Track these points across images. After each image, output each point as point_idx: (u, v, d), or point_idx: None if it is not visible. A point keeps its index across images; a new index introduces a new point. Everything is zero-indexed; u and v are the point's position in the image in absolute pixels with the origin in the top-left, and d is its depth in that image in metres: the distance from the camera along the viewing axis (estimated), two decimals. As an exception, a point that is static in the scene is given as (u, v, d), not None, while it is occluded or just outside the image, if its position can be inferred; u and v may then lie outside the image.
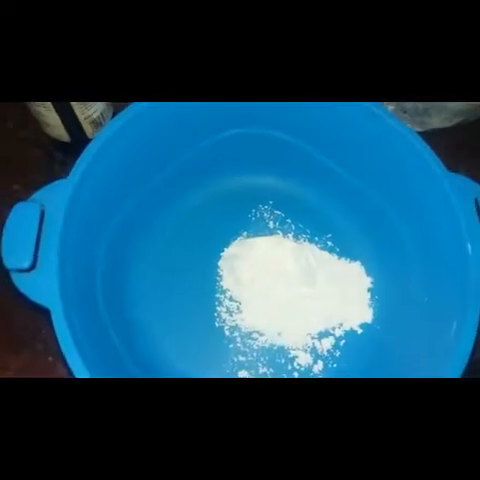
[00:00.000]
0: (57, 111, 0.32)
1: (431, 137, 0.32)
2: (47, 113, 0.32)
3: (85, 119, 0.33)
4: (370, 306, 0.32)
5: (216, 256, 0.33)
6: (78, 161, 0.26)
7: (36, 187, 0.26)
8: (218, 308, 0.31)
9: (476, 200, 0.27)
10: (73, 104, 0.32)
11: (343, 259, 0.33)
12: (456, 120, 0.37)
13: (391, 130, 0.29)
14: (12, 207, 0.25)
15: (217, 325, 0.31)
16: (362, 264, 0.33)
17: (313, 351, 0.31)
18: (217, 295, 0.32)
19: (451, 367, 0.24)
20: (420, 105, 0.36)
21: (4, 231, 0.23)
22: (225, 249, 0.33)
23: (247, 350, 0.30)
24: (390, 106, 0.37)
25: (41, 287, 0.22)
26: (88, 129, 0.34)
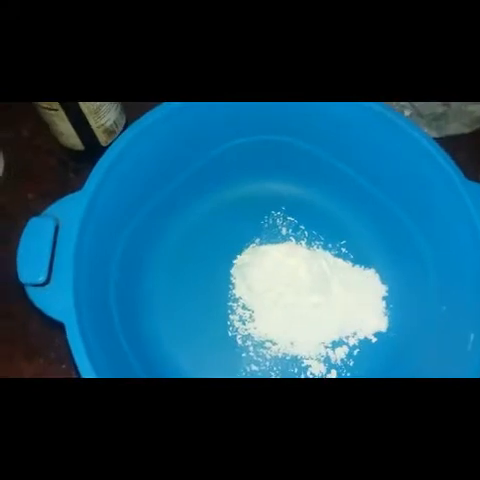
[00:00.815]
0: (70, 120, 0.32)
1: (450, 143, 0.31)
2: (60, 122, 0.32)
3: (98, 128, 0.34)
4: (385, 314, 0.32)
5: (228, 264, 0.33)
6: (91, 174, 0.26)
7: (51, 195, 0.26)
8: (231, 317, 0.32)
9: (495, 209, 0.26)
10: (86, 113, 0.32)
11: (357, 266, 0.33)
12: (476, 126, 0.36)
13: (407, 136, 0.28)
14: (26, 216, 0.25)
15: (230, 334, 0.31)
16: (377, 271, 0.33)
17: (326, 360, 0.31)
18: (229, 303, 0.32)
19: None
20: (438, 109, 0.35)
21: (19, 246, 0.24)
22: (238, 256, 0.33)
23: (260, 359, 0.30)
24: (406, 111, 0.36)
25: (56, 302, 0.23)
26: (102, 137, 0.34)
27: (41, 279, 0.23)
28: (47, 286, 0.23)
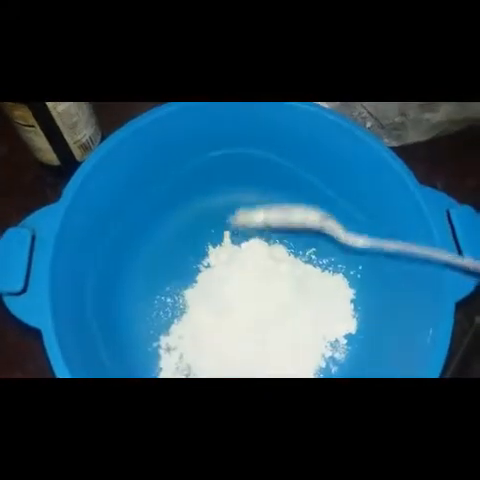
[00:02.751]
0: (47, 136, 0.33)
1: (408, 151, 0.33)
2: (37, 138, 0.33)
3: (74, 143, 0.35)
4: (354, 317, 0.33)
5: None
6: (67, 186, 0.27)
7: (28, 210, 0.27)
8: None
9: (448, 211, 0.28)
10: (62, 129, 0.33)
11: (326, 272, 0.35)
12: (434, 133, 0.39)
13: (364, 144, 0.30)
14: (3, 230, 0.26)
15: (206, 339, 0.32)
16: (345, 276, 0.34)
17: (298, 362, 0.32)
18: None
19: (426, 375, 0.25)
20: (396, 119, 0.38)
21: (-4, 256, 0.24)
22: (211, 265, 0.35)
23: (235, 362, 0.31)
24: (368, 122, 0.38)
25: (32, 310, 0.23)
26: (77, 153, 0.36)
27: (18, 288, 0.23)
28: (23, 295, 0.24)
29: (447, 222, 0.28)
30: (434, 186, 0.34)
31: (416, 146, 0.38)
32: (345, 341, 0.33)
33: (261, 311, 0.32)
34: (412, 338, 0.28)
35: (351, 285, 0.34)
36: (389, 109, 0.36)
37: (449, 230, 0.28)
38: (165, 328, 0.33)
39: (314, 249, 0.35)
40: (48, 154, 0.35)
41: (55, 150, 0.34)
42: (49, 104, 0.31)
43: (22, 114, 0.31)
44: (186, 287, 0.34)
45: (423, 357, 0.26)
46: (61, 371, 0.22)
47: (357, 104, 0.37)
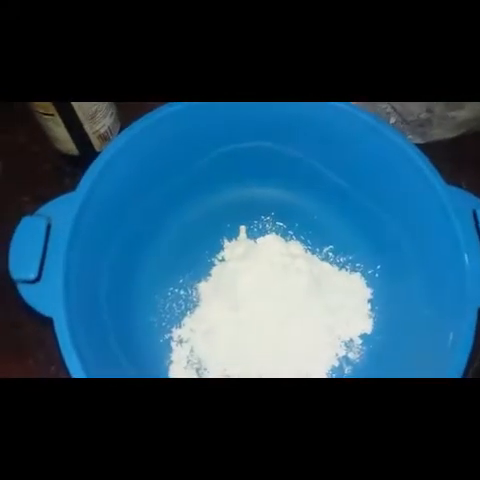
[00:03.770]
0: (66, 126, 0.33)
1: (433, 149, 0.32)
2: (56, 128, 0.33)
3: (93, 133, 0.35)
4: (370, 317, 0.32)
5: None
6: (84, 176, 0.27)
7: (46, 200, 0.27)
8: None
9: (474, 212, 0.27)
10: (82, 119, 0.33)
11: (343, 270, 0.34)
12: (460, 131, 0.37)
13: (389, 142, 0.29)
14: (21, 218, 0.26)
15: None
16: (362, 275, 0.33)
17: (313, 361, 0.31)
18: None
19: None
20: (422, 115, 0.37)
21: (11, 244, 0.24)
22: (227, 259, 0.34)
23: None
24: (392, 118, 0.37)
25: (46, 298, 0.23)
26: (96, 143, 0.35)
27: (32, 276, 0.24)
28: (38, 283, 0.24)
29: (473, 222, 0.27)
30: (459, 185, 0.33)
31: (441, 144, 0.37)
32: (360, 341, 0.32)
33: (275, 308, 0.32)
34: (430, 342, 0.27)
35: (369, 284, 0.33)
36: (415, 105, 0.35)
37: (474, 230, 0.27)
38: (178, 320, 0.32)
39: (331, 246, 0.35)
40: (67, 144, 0.35)
41: (74, 140, 0.34)
42: (69, 93, 0.31)
43: (42, 103, 0.31)
44: (200, 280, 0.34)
45: (442, 362, 0.25)
46: (71, 360, 0.22)
47: (381, 99, 0.36)
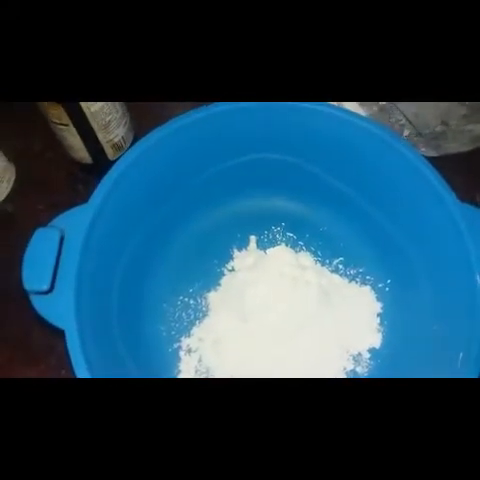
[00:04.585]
0: (80, 135, 0.34)
1: (447, 162, 0.32)
2: (70, 137, 0.34)
3: (107, 143, 0.35)
4: (379, 331, 0.32)
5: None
6: (97, 188, 0.27)
7: (59, 206, 0.28)
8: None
9: (487, 230, 0.27)
10: (95, 128, 0.34)
11: (353, 283, 0.34)
12: (476, 145, 0.37)
13: (401, 157, 0.29)
14: (35, 226, 0.26)
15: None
16: (372, 289, 0.33)
17: (320, 374, 0.31)
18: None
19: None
20: (437, 128, 0.36)
21: (25, 255, 0.25)
22: (237, 269, 0.34)
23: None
24: (406, 130, 0.37)
25: (57, 310, 0.24)
26: (110, 152, 0.36)
27: (45, 287, 0.24)
28: (50, 294, 0.24)
29: (486, 241, 0.26)
30: (474, 200, 0.32)
31: (456, 157, 0.36)
32: (368, 355, 0.32)
33: (283, 319, 0.32)
34: (439, 360, 0.27)
35: (378, 298, 0.33)
36: (430, 117, 0.35)
37: (488, 250, 0.26)
38: (187, 330, 0.33)
39: (342, 258, 0.35)
40: (81, 152, 0.35)
41: (88, 149, 0.35)
42: (83, 104, 0.31)
43: (57, 113, 0.32)
44: (209, 290, 0.34)
45: (450, 381, 0.25)
46: (81, 372, 0.23)
47: (395, 111, 0.36)
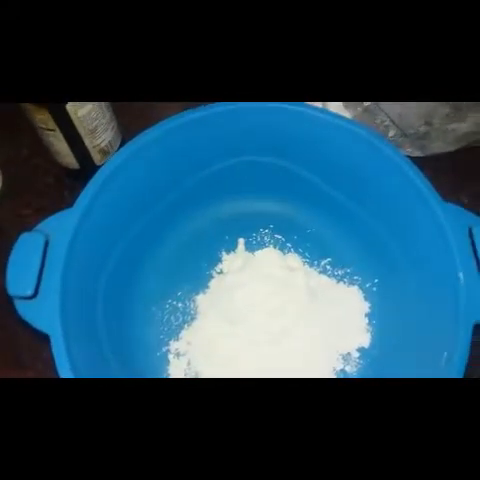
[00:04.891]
0: (66, 140, 0.34)
1: (433, 162, 0.32)
2: (57, 142, 0.34)
3: (94, 148, 0.35)
4: (367, 331, 0.32)
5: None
6: (83, 192, 0.27)
7: (46, 212, 0.27)
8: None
9: (470, 229, 0.27)
10: (82, 134, 0.34)
11: (341, 284, 0.34)
12: (460, 144, 0.37)
13: (386, 158, 0.29)
14: (21, 231, 0.26)
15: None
16: (360, 289, 0.33)
17: (310, 375, 0.31)
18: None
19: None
20: (421, 128, 0.37)
21: (9, 260, 0.25)
22: (225, 271, 0.34)
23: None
24: (391, 131, 0.37)
25: (42, 314, 0.24)
26: (96, 157, 0.36)
27: (29, 292, 0.24)
28: (34, 299, 0.24)
29: (469, 240, 0.27)
30: (459, 199, 0.33)
31: (441, 157, 0.37)
32: (357, 355, 0.32)
33: (272, 321, 0.32)
34: (426, 358, 0.27)
35: (366, 298, 0.33)
36: (413, 118, 0.35)
37: (470, 248, 0.26)
38: (175, 333, 0.33)
39: (329, 259, 0.35)
40: (68, 158, 0.35)
41: (75, 154, 0.35)
42: (69, 109, 0.31)
43: (43, 118, 0.32)
44: (198, 293, 0.34)
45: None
46: (66, 375, 0.23)
47: (380, 112, 0.36)
